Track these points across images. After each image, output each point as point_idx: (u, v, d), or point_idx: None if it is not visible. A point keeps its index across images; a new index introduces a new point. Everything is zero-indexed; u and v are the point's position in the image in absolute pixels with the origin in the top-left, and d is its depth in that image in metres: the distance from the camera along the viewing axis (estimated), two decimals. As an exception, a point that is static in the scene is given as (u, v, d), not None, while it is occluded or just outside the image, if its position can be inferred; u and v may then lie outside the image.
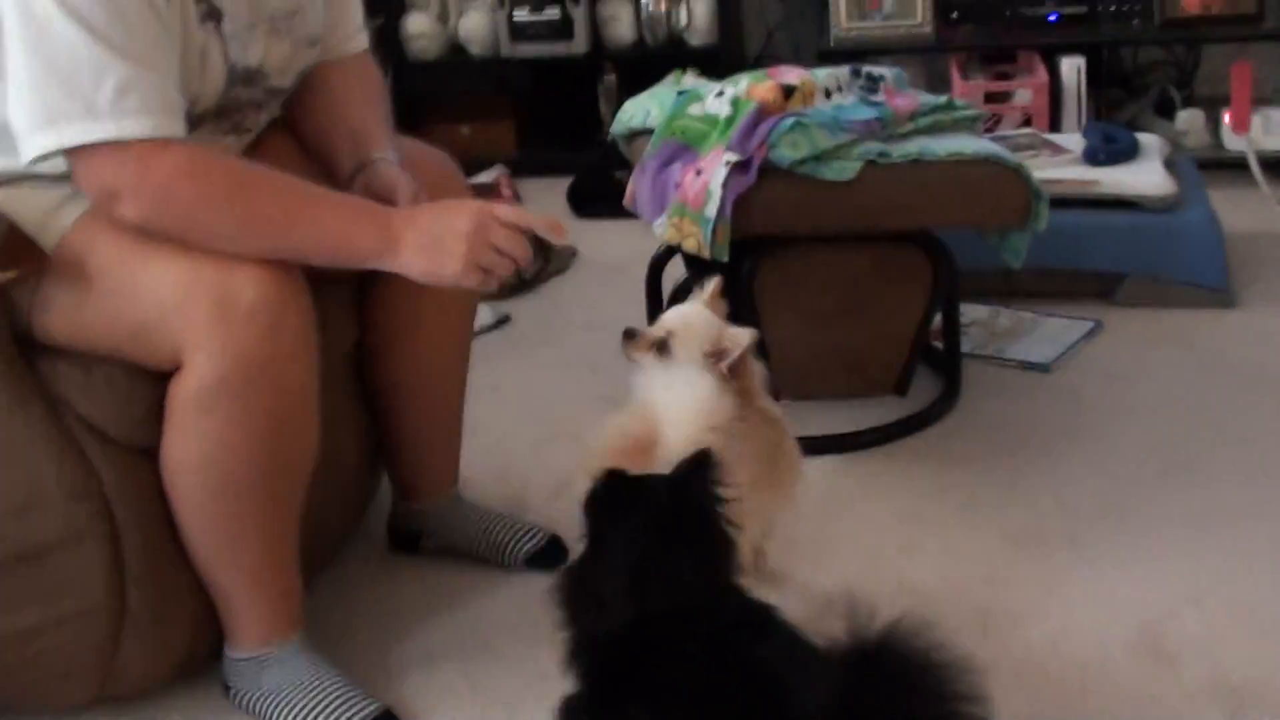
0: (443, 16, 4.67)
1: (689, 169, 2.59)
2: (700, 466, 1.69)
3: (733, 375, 2.06)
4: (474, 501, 2.48)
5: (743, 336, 2.07)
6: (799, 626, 1.63)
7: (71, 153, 1.76)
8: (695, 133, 2.64)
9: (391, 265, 1.88)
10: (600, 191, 4.06)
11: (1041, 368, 3.00)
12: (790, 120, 2.56)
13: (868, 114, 2.65)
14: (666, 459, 1.81)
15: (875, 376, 2.83)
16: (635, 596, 1.61)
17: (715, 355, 2.07)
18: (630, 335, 2.11)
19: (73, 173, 1.81)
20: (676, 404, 1.97)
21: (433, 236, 1.86)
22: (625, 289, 3.19)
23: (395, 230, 1.87)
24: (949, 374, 2.91)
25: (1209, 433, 2.71)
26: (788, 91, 2.63)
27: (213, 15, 1.88)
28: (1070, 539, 2.39)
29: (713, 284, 2.17)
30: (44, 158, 1.77)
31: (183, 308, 1.78)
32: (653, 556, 1.62)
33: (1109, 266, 3.24)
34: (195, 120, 1.91)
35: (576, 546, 1.73)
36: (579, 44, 4.51)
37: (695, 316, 2.11)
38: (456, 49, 4.69)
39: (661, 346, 2.08)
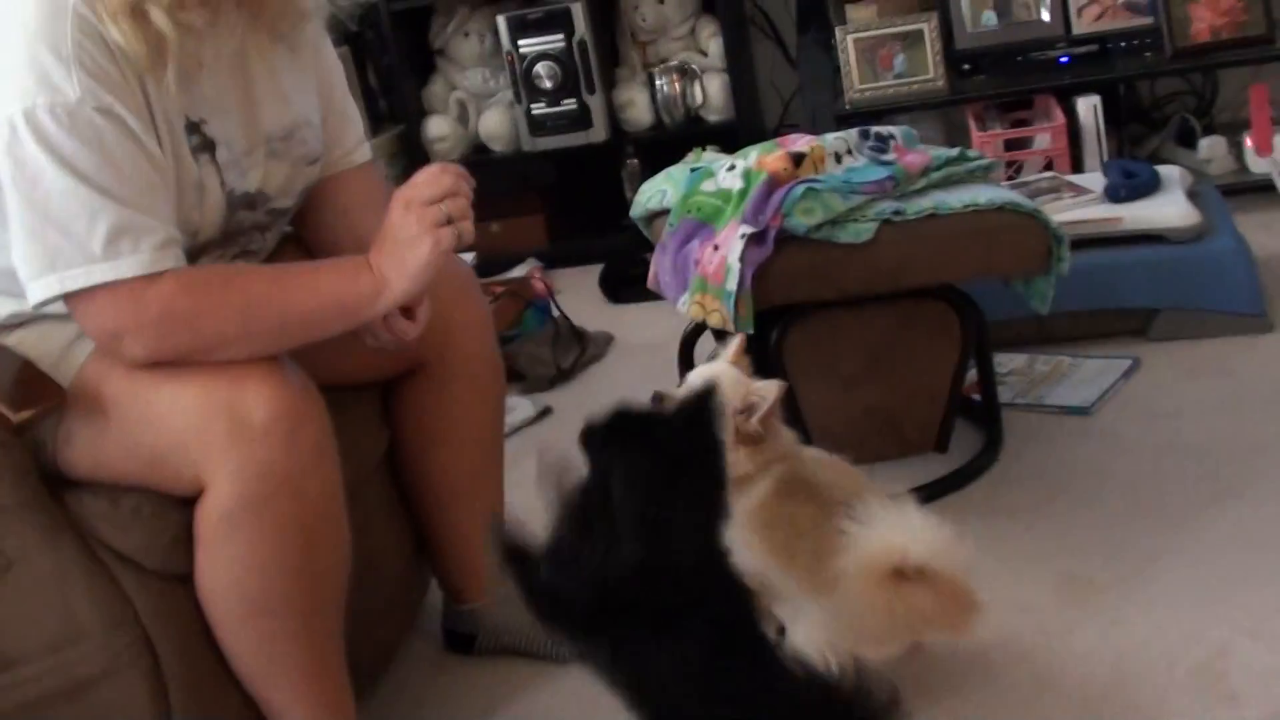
0: (462, 118, 4.72)
1: (706, 245, 2.59)
2: (706, 404, 1.69)
3: (764, 429, 2.07)
4: (524, 597, 2.47)
5: (769, 389, 2.07)
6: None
7: (71, 299, 1.79)
8: (710, 209, 2.64)
9: (390, 300, 1.92)
10: (631, 276, 4.06)
11: (1082, 411, 2.97)
12: (802, 187, 2.56)
13: (879, 174, 2.64)
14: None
15: (913, 436, 2.80)
16: (643, 539, 1.61)
17: (745, 411, 2.07)
18: (658, 399, 2.11)
19: (75, 318, 1.84)
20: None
21: (393, 247, 1.91)
22: (662, 370, 3.18)
23: (376, 267, 1.91)
24: (989, 426, 2.88)
25: (1256, 459, 2.66)
26: (797, 159, 2.64)
27: (206, 147, 1.91)
28: (1121, 582, 2.35)
29: (735, 343, 2.17)
30: (47, 303, 1.80)
31: (198, 432, 1.80)
32: (659, 498, 1.62)
33: (1141, 302, 3.21)
34: (200, 249, 1.94)
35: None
36: (598, 132, 4.54)
37: (721, 374, 2.11)
38: (479, 148, 4.73)
39: None
